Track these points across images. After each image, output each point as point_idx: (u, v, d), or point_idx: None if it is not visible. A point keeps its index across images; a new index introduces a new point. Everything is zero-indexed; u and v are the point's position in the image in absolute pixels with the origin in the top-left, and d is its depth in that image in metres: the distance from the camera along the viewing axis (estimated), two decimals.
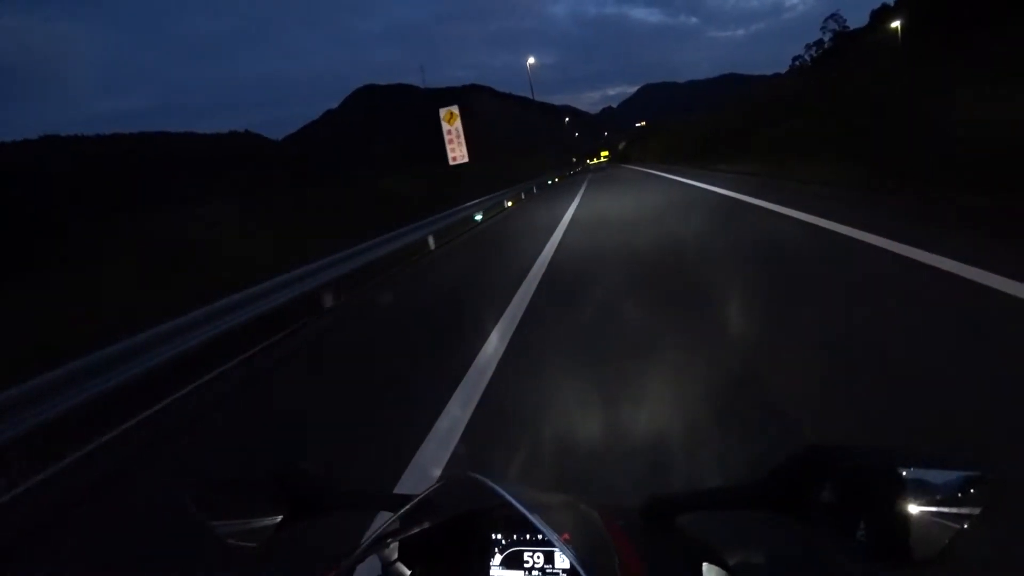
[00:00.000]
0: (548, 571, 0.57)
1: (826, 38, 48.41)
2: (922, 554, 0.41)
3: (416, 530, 0.55)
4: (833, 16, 47.90)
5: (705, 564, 0.57)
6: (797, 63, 38.11)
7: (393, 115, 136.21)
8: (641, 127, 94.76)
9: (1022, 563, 1.22)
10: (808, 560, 0.96)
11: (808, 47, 50.81)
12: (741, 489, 0.53)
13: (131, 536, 2.16)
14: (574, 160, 71.37)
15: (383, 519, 0.57)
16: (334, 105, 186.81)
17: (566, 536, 0.50)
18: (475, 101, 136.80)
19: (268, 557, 0.72)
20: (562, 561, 0.57)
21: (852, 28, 47.05)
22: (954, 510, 0.42)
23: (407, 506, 0.57)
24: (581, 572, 0.44)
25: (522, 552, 0.59)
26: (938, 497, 0.42)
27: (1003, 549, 1.12)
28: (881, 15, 48.82)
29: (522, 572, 0.58)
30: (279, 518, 0.62)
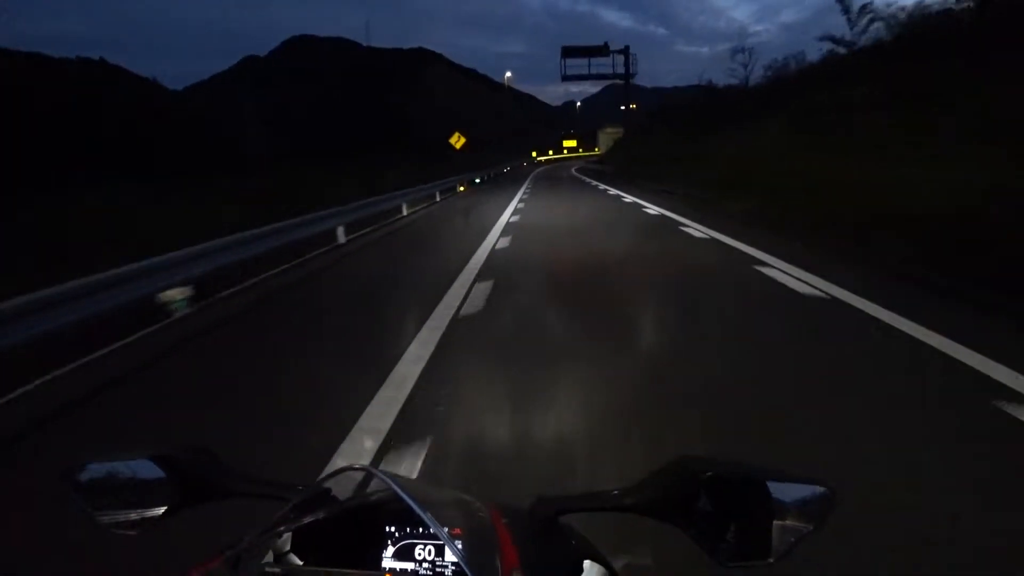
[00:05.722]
0: (438, 564, 0.58)
1: None
2: (777, 552, 0.49)
3: (309, 520, 0.54)
4: None
5: (587, 561, 0.62)
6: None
7: (325, 72, 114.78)
8: (632, 112, 41.04)
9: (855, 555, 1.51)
10: (684, 561, 0.94)
11: None
12: (623, 493, 0.58)
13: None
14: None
15: (275, 508, 0.56)
16: (261, 53, 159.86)
17: (457, 531, 0.54)
18: (423, 69, 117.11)
19: (154, 546, 0.70)
20: (452, 555, 0.57)
21: None
22: (804, 517, 0.50)
23: (300, 495, 0.58)
24: (464, 567, 0.47)
25: (414, 545, 0.59)
26: (792, 506, 0.50)
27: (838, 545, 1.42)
28: None
29: (413, 564, 0.59)
30: (166, 505, 0.60)
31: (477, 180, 24.58)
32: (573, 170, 37.19)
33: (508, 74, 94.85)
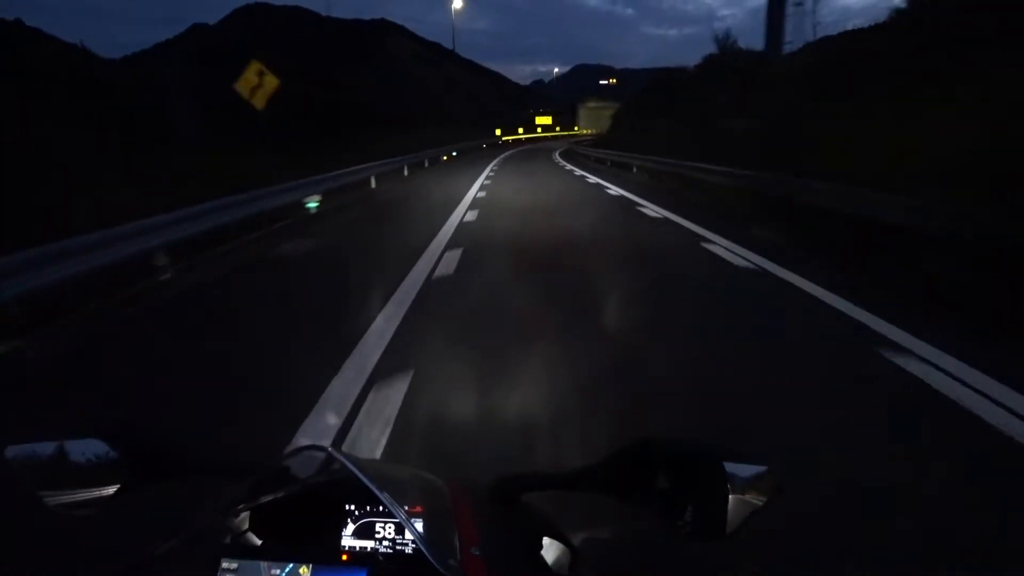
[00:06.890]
0: (398, 542, 0.58)
1: None
2: (731, 529, 0.51)
3: (267, 499, 0.54)
4: None
5: (546, 539, 0.63)
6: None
7: (279, 43, 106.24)
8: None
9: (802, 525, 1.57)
10: (643, 538, 1.03)
11: None
12: (584, 472, 0.58)
13: None
14: None
15: (232, 487, 0.55)
16: (211, 21, 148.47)
17: (417, 508, 0.55)
18: (384, 41, 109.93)
19: (103, 527, 0.67)
20: (412, 533, 0.58)
21: None
22: (755, 494, 0.51)
23: (257, 475, 0.57)
24: (421, 546, 0.48)
25: (373, 523, 0.59)
26: (746, 485, 0.51)
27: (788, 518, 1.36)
28: None
29: (373, 542, 0.58)
30: (117, 485, 0.57)
31: (312, 204, 9.46)
32: (556, 154, 27.39)
33: (456, 4, 44.37)
